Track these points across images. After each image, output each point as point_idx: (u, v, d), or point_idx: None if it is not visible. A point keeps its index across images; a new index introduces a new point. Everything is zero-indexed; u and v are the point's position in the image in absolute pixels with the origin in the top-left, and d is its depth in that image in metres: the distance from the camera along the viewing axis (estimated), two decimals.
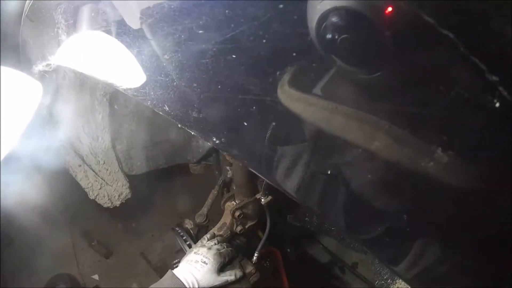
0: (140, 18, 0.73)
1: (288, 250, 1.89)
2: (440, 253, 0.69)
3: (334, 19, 0.55)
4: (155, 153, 1.75)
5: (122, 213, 2.06)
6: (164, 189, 2.09)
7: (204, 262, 1.24)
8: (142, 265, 2.05)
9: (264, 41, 0.61)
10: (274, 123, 0.68)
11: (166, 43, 0.73)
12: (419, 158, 0.59)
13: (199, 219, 1.57)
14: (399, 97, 0.59)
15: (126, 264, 2.08)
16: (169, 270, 1.24)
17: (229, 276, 1.27)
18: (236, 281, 1.32)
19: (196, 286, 1.19)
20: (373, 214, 0.69)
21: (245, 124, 0.69)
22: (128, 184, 1.74)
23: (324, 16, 0.55)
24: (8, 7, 1.20)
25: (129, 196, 1.76)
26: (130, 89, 0.81)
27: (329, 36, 0.55)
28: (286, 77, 0.63)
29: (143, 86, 0.79)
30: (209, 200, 1.61)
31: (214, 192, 1.61)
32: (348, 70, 0.59)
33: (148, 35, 0.74)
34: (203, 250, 1.28)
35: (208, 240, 1.36)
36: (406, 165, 0.61)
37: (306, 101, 0.64)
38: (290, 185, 0.73)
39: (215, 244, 1.33)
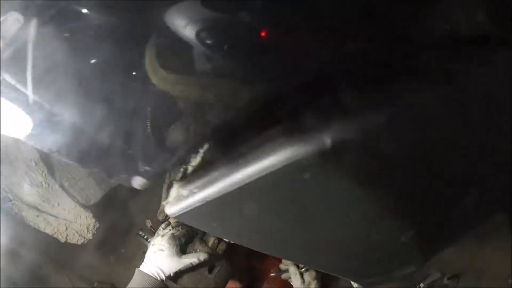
0: None
1: None
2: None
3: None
4: (101, 174, 1.78)
5: (106, 245, 2.10)
6: (131, 203, 2.11)
7: (161, 250, 1.27)
8: None
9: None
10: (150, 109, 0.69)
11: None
12: None
13: (160, 216, 1.59)
14: None
15: None
16: (136, 269, 1.27)
17: (192, 258, 1.28)
18: (207, 260, 1.33)
19: (162, 274, 1.22)
20: None
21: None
22: (91, 214, 1.77)
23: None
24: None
25: (98, 225, 1.79)
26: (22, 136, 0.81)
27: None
28: (154, 61, 0.64)
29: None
30: (163, 195, 1.63)
31: (164, 185, 1.63)
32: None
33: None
34: (158, 240, 1.31)
35: (163, 229, 1.38)
36: None
37: (185, 82, 0.65)
38: None
39: (169, 230, 1.35)
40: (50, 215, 1.71)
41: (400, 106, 0.51)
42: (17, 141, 1.57)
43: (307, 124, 0.51)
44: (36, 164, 1.62)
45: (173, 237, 1.29)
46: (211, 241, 1.40)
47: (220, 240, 1.41)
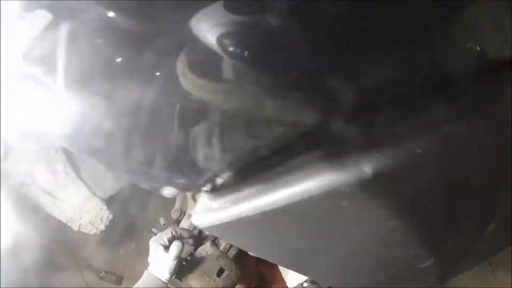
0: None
1: None
2: None
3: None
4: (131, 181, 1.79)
5: (118, 238, 2.12)
6: (148, 199, 2.12)
7: (150, 254, 1.33)
8: None
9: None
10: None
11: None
12: None
13: (174, 215, 1.61)
14: None
15: None
16: (145, 271, 1.28)
17: (172, 252, 1.27)
18: (211, 258, 1.34)
19: (163, 276, 1.23)
20: None
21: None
22: (106, 207, 1.79)
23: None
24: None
25: (111, 216, 1.80)
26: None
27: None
28: (184, 65, 0.63)
29: None
30: (180, 195, 1.64)
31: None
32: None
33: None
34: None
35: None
36: None
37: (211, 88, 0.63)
38: None
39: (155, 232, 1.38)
40: (66, 203, 1.73)
41: (437, 135, 0.51)
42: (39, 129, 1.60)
43: (346, 151, 0.52)
44: (55, 153, 1.64)
45: (155, 239, 1.31)
46: (222, 244, 1.40)
47: (232, 244, 1.41)
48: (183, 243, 1.26)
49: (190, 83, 0.62)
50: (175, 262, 1.24)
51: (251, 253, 0.79)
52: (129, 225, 2.09)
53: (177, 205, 1.62)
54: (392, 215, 0.56)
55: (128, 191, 1.87)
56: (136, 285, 1.28)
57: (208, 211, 0.67)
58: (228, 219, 0.63)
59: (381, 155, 0.50)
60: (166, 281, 1.25)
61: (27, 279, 1.87)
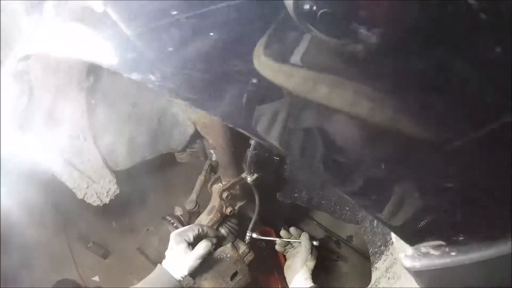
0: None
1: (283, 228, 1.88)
2: (419, 204, 0.76)
3: None
4: (138, 145, 1.74)
5: (115, 211, 2.05)
6: (154, 181, 2.07)
7: (171, 248, 1.26)
8: (141, 260, 2.05)
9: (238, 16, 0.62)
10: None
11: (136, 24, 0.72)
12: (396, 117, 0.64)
13: (189, 206, 1.57)
14: (382, 64, 0.61)
15: (124, 261, 2.08)
16: (158, 264, 1.24)
17: (198, 251, 1.22)
18: (230, 260, 1.32)
19: (178, 274, 1.20)
20: (354, 167, 0.74)
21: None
22: (115, 180, 1.72)
23: None
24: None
25: (118, 192, 1.74)
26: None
27: (307, 8, 0.56)
28: (261, 48, 0.63)
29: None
30: (197, 186, 1.60)
31: (201, 177, 1.61)
32: (328, 41, 0.60)
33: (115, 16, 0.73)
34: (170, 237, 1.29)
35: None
36: (384, 125, 0.65)
37: (287, 72, 0.65)
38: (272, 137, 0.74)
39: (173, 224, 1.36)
40: (76, 169, 1.66)
41: None
42: (68, 90, 1.52)
43: None
44: (80, 116, 1.57)
45: (178, 234, 1.25)
46: (241, 248, 1.38)
47: (249, 250, 1.39)
48: (212, 244, 1.22)
49: (261, 64, 0.64)
50: (198, 261, 1.20)
51: None
52: (129, 201, 2.03)
53: (193, 196, 1.58)
54: None
55: (139, 168, 1.81)
56: (146, 279, 1.21)
57: (426, 257, 0.76)
58: (449, 265, 0.75)
59: None
60: (181, 279, 1.20)
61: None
